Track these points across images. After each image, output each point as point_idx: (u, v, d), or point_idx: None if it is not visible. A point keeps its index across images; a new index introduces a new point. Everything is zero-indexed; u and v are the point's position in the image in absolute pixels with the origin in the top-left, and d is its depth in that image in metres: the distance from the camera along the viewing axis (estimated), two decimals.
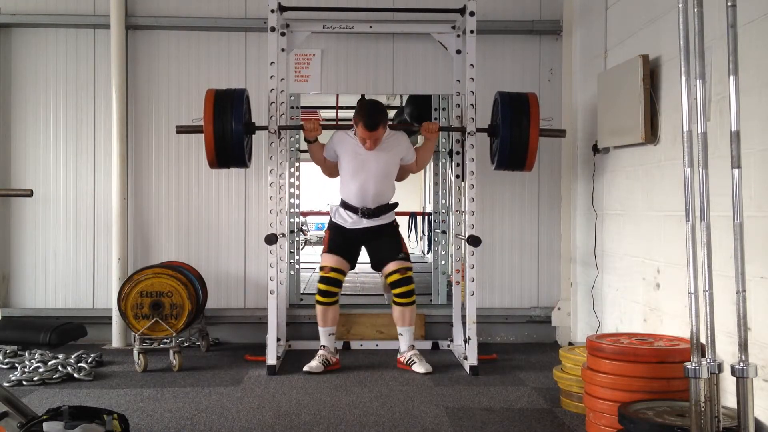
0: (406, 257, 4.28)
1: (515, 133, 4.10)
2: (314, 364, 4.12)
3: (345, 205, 4.28)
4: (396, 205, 4.38)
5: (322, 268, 4.24)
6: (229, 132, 4.03)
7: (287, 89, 4.66)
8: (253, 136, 4.37)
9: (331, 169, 4.39)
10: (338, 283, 4.23)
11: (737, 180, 2.35)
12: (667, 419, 2.57)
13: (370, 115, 4.07)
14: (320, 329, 4.26)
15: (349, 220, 4.27)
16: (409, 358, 4.21)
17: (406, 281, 4.21)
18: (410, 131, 6.35)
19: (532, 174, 4.71)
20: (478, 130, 4.29)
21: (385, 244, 4.28)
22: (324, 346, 4.24)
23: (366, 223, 4.25)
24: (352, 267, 4.35)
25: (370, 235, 4.28)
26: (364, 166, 4.19)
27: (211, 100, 4.07)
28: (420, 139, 5.97)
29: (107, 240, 4.93)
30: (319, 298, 4.23)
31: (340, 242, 4.28)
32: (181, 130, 4.28)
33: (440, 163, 6.06)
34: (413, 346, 4.27)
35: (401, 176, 4.45)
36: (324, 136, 4.34)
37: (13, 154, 4.98)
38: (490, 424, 3.21)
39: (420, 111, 6.06)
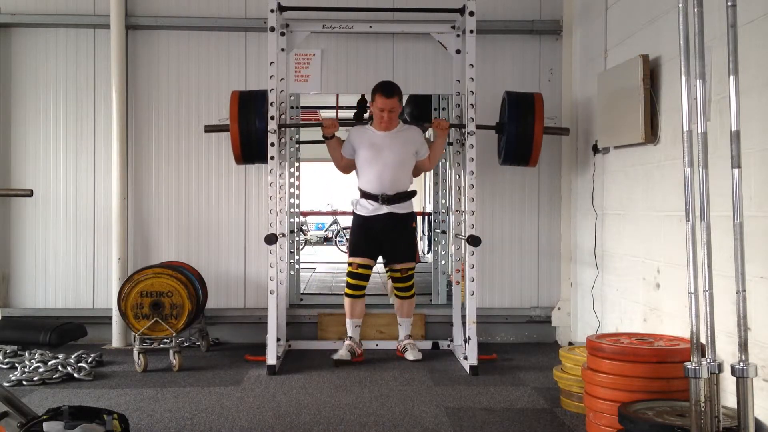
0: (414, 261, 4.57)
1: (521, 129, 4.34)
2: (343, 352, 4.34)
3: (365, 194, 4.45)
4: (414, 193, 4.55)
5: (350, 264, 4.50)
6: (253, 130, 4.29)
7: (287, 89, 4.66)
8: None
9: (347, 166, 4.55)
10: (366, 278, 4.51)
11: (737, 180, 2.35)
12: (667, 419, 2.57)
13: (386, 85, 4.38)
14: (347, 321, 4.51)
15: (370, 208, 4.44)
16: (403, 347, 4.52)
17: (407, 278, 4.53)
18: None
19: (532, 174, 4.71)
20: (485, 127, 4.41)
21: (400, 246, 4.49)
22: (350, 337, 4.47)
23: (386, 209, 4.39)
24: (376, 262, 4.66)
25: (389, 228, 4.42)
26: (380, 154, 4.37)
27: (236, 101, 4.32)
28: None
29: (107, 240, 4.93)
30: (348, 291, 4.50)
31: (363, 243, 4.48)
32: (209, 129, 4.53)
33: (440, 163, 6.05)
34: (410, 335, 4.57)
35: (415, 173, 4.59)
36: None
37: (13, 154, 4.98)
38: (490, 424, 3.21)
39: (420, 111, 6.06)
